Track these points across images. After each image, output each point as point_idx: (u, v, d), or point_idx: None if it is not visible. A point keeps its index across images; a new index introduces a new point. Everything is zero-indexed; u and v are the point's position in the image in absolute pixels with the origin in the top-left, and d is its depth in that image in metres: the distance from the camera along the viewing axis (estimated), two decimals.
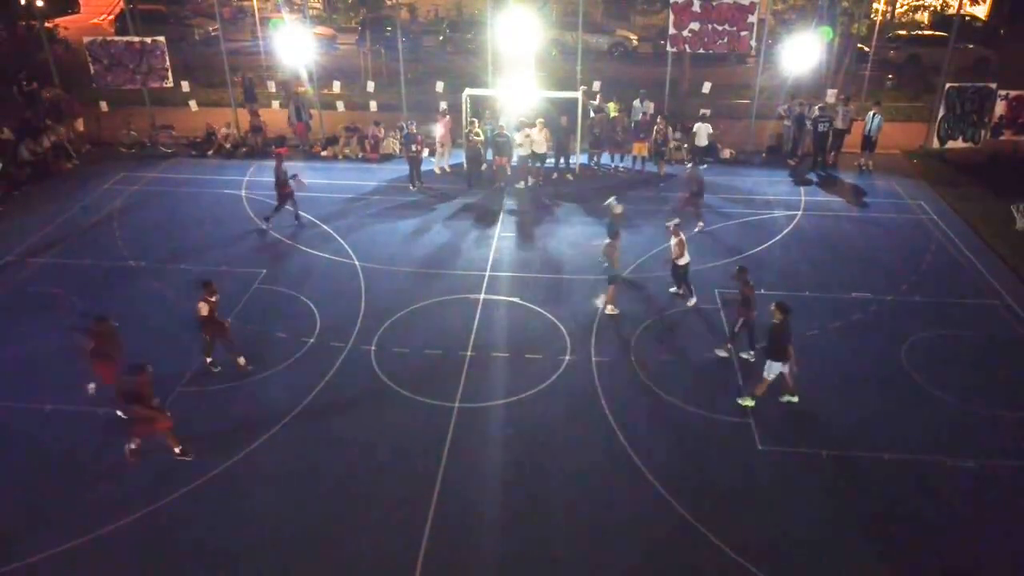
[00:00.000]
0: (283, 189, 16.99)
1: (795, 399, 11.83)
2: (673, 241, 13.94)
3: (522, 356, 12.97)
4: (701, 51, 21.76)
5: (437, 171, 20.52)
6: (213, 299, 12.07)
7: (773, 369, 11.41)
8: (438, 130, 20.21)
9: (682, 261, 14.03)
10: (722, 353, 13.00)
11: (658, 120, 20.29)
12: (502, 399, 12.00)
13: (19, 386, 12.30)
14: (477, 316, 14.11)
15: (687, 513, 9.95)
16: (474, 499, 10.24)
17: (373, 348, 13.16)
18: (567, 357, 12.96)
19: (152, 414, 10.38)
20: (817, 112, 20.29)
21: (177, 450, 10.71)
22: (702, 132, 20.59)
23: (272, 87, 23.91)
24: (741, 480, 10.55)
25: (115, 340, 11.69)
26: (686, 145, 21.33)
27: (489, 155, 19.95)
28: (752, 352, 12.78)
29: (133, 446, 10.64)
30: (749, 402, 11.79)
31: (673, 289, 14.70)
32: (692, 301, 14.36)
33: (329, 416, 11.67)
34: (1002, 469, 10.72)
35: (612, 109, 21.09)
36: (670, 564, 9.36)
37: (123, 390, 10.39)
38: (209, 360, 12.56)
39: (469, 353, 13.04)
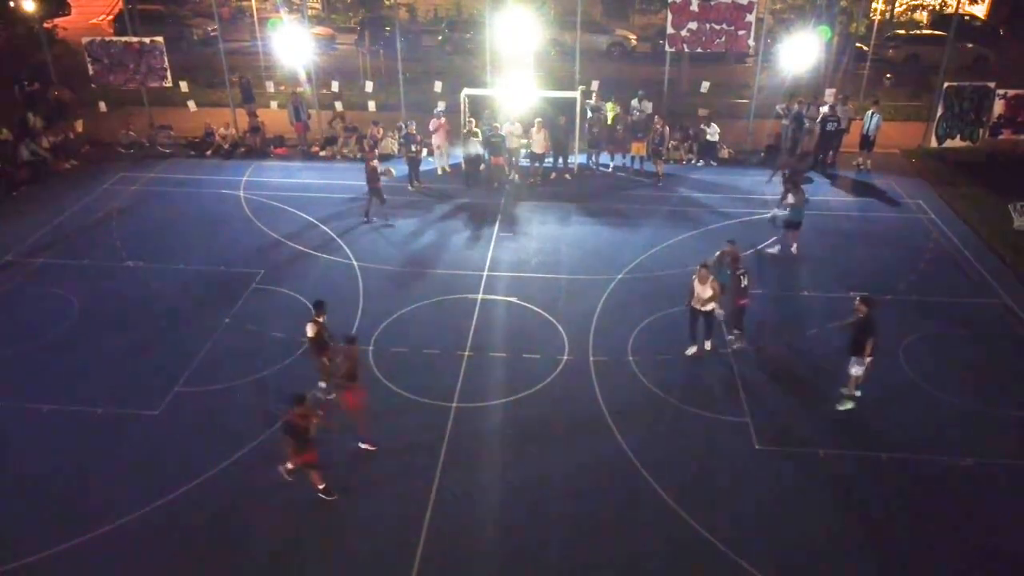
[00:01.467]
0: (374, 184, 17.22)
1: (852, 406, 11.67)
2: (704, 284, 12.30)
3: (520, 356, 12.97)
4: (699, 50, 21.79)
5: (439, 171, 20.52)
6: (321, 320, 11.47)
7: (856, 364, 11.43)
8: (435, 135, 20.12)
9: (710, 307, 12.43)
10: (738, 344, 13.10)
11: (656, 120, 20.30)
12: (500, 399, 12.01)
13: (18, 386, 12.31)
14: (475, 316, 14.11)
15: (684, 512, 9.95)
16: (471, 499, 10.25)
17: (371, 348, 13.17)
18: (565, 357, 12.96)
19: (305, 446, 9.80)
20: (827, 111, 20.29)
21: (320, 487, 10.13)
22: (713, 131, 21.30)
23: (271, 87, 23.92)
24: (738, 479, 10.55)
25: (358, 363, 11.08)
26: (686, 144, 21.35)
27: (487, 155, 19.94)
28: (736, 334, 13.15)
29: (291, 466, 10.09)
30: (849, 404, 11.70)
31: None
32: (692, 350, 12.96)
33: (327, 416, 11.63)
34: (1000, 468, 10.72)
35: (610, 109, 21.09)
36: (667, 563, 9.36)
37: (285, 419, 9.88)
38: (323, 386, 11.85)
39: (467, 353, 13.05)
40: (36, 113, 21.96)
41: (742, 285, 12.75)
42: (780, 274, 15.50)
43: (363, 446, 10.94)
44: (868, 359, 11.37)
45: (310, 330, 11.52)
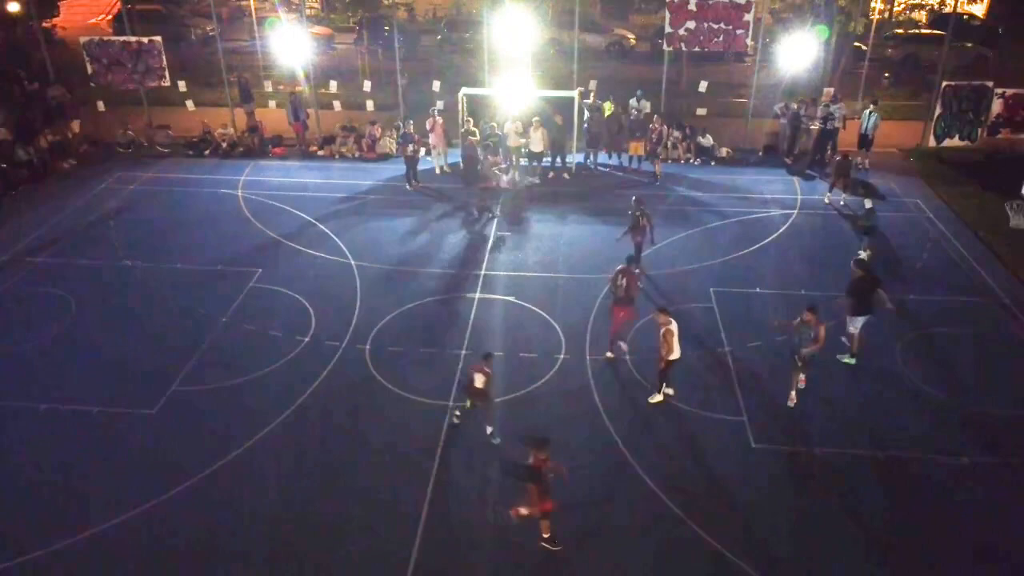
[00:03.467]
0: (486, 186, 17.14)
1: (853, 361, 12.52)
2: (662, 331, 11.45)
3: (517, 355, 12.97)
4: (698, 50, 21.78)
5: (438, 171, 20.53)
6: (488, 371, 10.81)
7: (856, 324, 12.37)
8: (431, 135, 20.14)
9: (672, 356, 11.57)
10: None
11: (655, 119, 20.29)
12: (497, 398, 11.99)
13: (14, 385, 12.32)
14: (472, 315, 14.12)
15: (681, 511, 9.96)
16: (468, 497, 10.25)
17: (368, 347, 13.17)
18: (561, 356, 12.97)
19: (542, 494, 9.17)
20: (819, 110, 20.30)
21: (546, 535, 9.49)
22: (708, 141, 21.46)
23: (269, 87, 23.92)
24: (735, 478, 10.55)
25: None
26: (684, 143, 21.36)
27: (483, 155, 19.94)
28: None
29: (524, 511, 9.45)
30: (850, 359, 12.52)
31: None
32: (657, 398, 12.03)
33: (324, 415, 11.67)
34: (997, 466, 10.72)
35: (607, 108, 21.08)
36: (664, 562, 9.36)
37: (529, 464, 9.22)
38: (490, 431, 11.14)
39: (464, 352, 13.05)
40: (34, 113, 21.97)
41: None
42: (776, 273, 15.49)
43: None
44: (861, 318, 12.34)
45: (479, 381, 10.70)
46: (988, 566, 9.36)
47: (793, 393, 11.81)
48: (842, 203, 18.42)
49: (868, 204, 16.08)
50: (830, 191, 18.68)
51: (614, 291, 12.63)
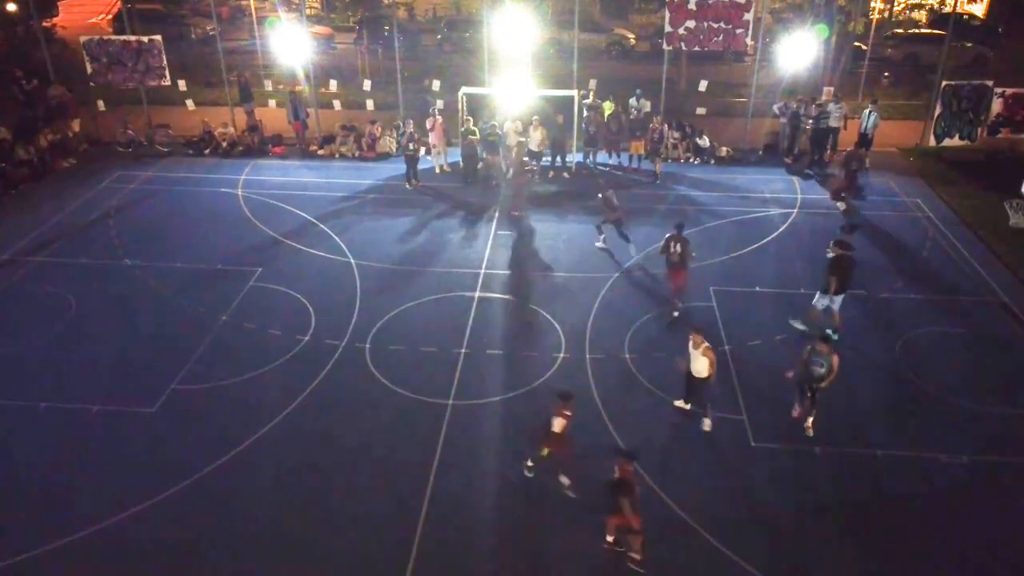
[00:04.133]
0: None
1: (836, 337, 12.47)
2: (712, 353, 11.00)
3: (517, 353, 12.98)
4: (698, 49, 21.78)
5: (437, 170, 20.53)
6: (569, 414, 10.09)
7: (836, 302, 12.91)
8: (431, 133, 20.15)
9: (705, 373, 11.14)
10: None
11: (655, 118, 20.28)
12: (496, 396, 12.01)
13: (14, 384, 12.32)
14: (472, 314, 14.12)
15: (681, 510, 9.96)
16: (467, 496, 10.25)
17: (368, 346, 13.18)
18: (561, 355, 12.97)
19: (630, 511, 8.97)
20: (815, 109, 20.31)
21: (636, 556, 9.22)
22: (705, 142, 21.47)
23: (269, 86, 23.93)
24: (735, 477, 10.56)
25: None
26: (684, 142, 21.36)
27: (484, 153, 19.96)
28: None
29: (618, 522, 9.25)
30: (834, 335, 12.50)
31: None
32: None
33: (323, 414, 11.68)
34: (996, 466, 10.72)
35: (607, 107, 21.08)
36: (663, 561, 9.35)
37: (617, 476, 9.13)
38: (567, 483, 10.34)
39: (464, 350, 13.05)
40: (35, 112, 21.98)
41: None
42: (776, 272, 15.49)
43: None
44: (838, 296, 12.81)
45: (558, 426, 9.95)
46: (988, 566, 9.35)
47: (804, 415, 11.31)
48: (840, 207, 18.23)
49: (841, 206, 16.23)
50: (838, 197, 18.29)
51: (668, 257, 13.57)
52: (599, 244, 16.33)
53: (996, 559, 9.42)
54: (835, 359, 10.85)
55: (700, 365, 11.03)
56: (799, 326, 13.47)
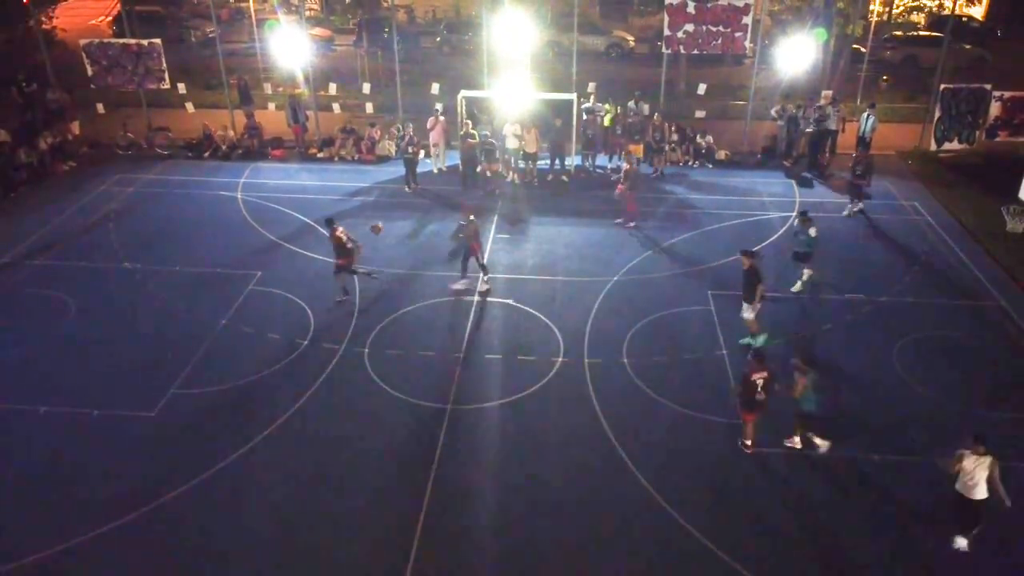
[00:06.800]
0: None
1: (755, 342, 12.80)
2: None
3: (515, 358, 13.00)
4: (697, 52, 21.81)
5: (435, 171, 20.57)
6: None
7: (746, 310, 12.90)
8: (432, 133, 20.23)
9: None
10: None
11: (655, 117, 20.31)
12: (495, 401, 12.04)
13: (14, 387, 12.34)
14: (470, 318, 14.14)
15: (677, 513, 9.98)
16: (466, 500, 10.28)
17: (367, 350, 13.20)
18: (560, 359, 12.99)
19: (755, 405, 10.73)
20: (813, 111, 20.34)
21: (748, 442, 10.97)
22: (708, 141, 21.54)
23: (269, 89, 23.96)
24: (732, 480, 10.58)
25: None
26: (684, 145, 21.39)
27: (483, 159, 20.01)
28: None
29: (748, 442, 11.00)
30: (756, 340, 12.84)
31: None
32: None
33: (322, 418, 11.70)
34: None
35: (608, 110, 21.11)
36: (660, 564, 9.39)
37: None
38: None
39: (462, 355, 13.08)
40: (34, 115, 22.00)
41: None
42: (775, 275, 15.49)
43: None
44: (758, 304, 12.82)
45: (800, 384, 10.57)
46: (988, 567, 9.38)
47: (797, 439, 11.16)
48: (851, 210, 18.22)
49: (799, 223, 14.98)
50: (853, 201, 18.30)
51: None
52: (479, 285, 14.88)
53: (998, 560, 9.45)
54: (801, 382, 10.58)
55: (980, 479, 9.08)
56: (748, 341, 13.12)
